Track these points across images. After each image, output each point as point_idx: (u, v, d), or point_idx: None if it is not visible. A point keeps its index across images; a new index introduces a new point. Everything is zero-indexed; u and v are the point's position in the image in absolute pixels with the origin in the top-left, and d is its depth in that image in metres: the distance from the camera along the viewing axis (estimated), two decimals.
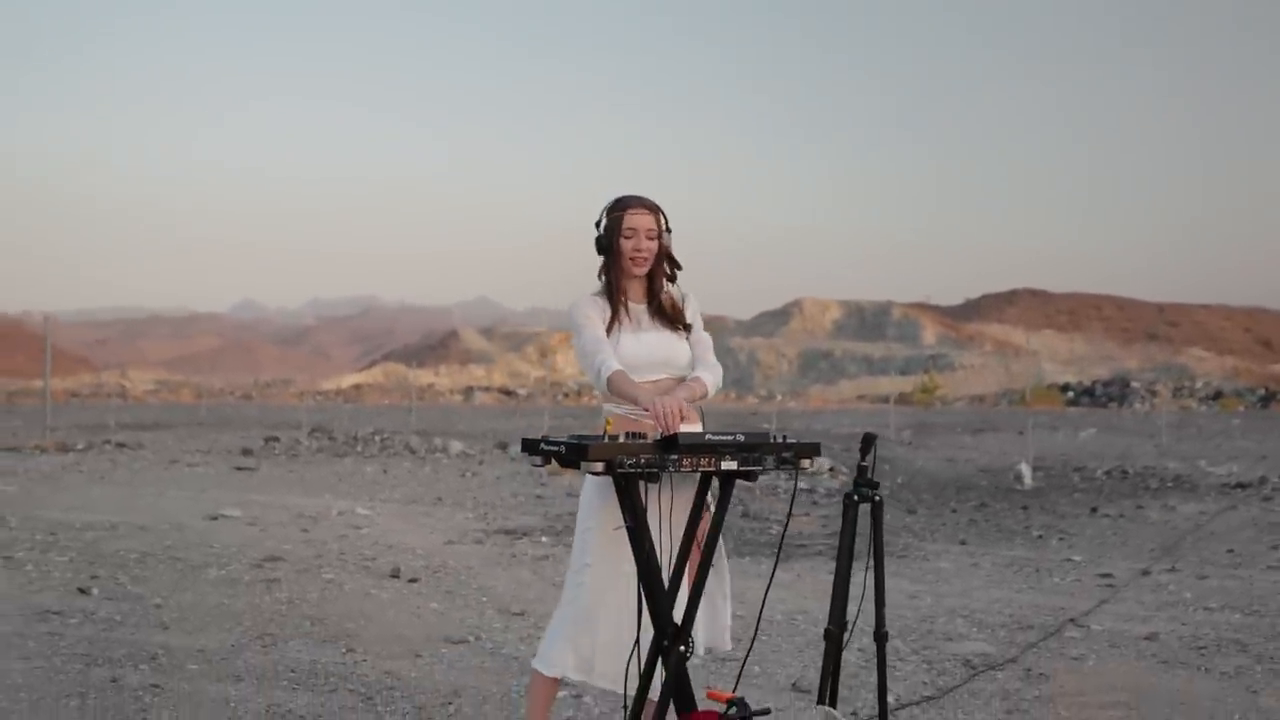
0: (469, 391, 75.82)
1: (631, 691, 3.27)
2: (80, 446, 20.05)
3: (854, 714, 4.55)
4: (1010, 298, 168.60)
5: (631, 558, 3.26)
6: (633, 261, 3.50)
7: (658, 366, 3.50)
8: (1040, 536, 10.09)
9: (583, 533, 3.52)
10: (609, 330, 3.49)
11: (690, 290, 3.65)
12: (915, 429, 29.67)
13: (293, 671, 5.04)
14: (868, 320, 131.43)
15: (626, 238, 3.49)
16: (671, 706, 3.31)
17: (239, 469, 16.43)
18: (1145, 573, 8.07)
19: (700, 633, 3.48)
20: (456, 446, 20.35)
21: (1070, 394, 61.84)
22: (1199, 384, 65.87)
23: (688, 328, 3.60)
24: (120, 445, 20.68)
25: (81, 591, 6.76)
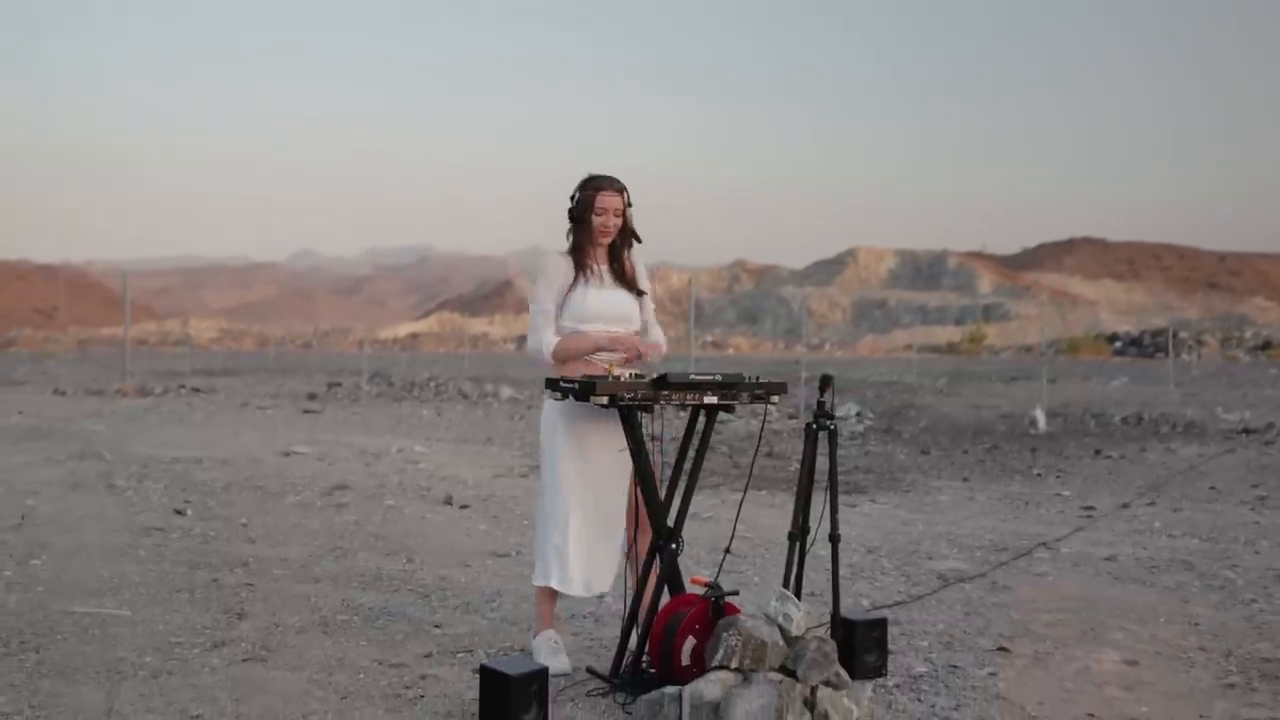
0: (522, 340, 76.81)
1: (632, 584, 4.17)
2: (158, 391, 21.27)
3: (834, 614, 5.38)
4: (1068, 247, 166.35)
5: (584, 475, 4.21)
6: (602, 234, 4.33)
7: (616, 320, 4.33)
8: (1039, 475, 10.69)
9: (549, 456, 4.30)
10: (574, 284, 4.29)
11: (640, 260, 4.49)
12: (952, 377, 30.17)
13: (362, 576, 5.97)
14: (923, 269, 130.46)
15: (598, 214, 4.29)
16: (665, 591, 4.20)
17: (306, 411, 17.52)
18: (1125, 506, 8.75)
19: (578, 573, 4.26)
20: (507, 392, 21.32)
21: (1118, 344, 61.54)
22: (1249, 334, 65.15)
23: (641, 293, 4.44)
24: (195, 390, 21.90)
25: (178, 513, 7.80)
